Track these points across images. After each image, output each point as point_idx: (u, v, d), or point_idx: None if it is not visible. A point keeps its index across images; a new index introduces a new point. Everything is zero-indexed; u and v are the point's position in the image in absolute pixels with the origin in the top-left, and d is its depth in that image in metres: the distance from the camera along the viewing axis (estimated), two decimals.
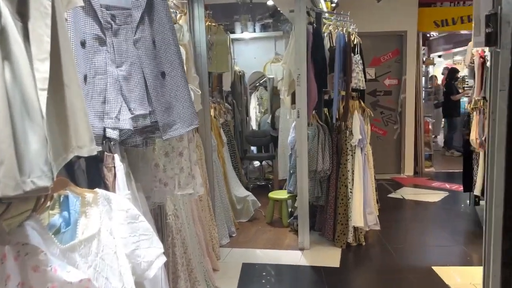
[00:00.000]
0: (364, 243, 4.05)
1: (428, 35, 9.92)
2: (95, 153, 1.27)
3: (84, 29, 1.42)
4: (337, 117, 4.08)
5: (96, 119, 1.40)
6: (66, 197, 1.30)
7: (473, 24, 1.94)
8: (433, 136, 9.11)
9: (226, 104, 5.82)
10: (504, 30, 1.63)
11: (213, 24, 4.89)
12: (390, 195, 5.88)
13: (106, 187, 1.46)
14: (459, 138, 8.70)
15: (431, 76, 9.57)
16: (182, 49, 2.39)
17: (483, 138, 4.06)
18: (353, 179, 3.96)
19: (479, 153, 4.43)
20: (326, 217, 4.11)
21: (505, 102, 1.66)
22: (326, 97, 4.44)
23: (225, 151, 4.92)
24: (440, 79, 13.55)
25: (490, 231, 1.97)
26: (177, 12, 3.01)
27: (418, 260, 3.80)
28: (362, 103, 4.34)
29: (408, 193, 5.97)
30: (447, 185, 6.37)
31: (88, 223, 1.29)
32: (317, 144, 4.04)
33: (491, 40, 1.72)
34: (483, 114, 4.08)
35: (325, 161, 4.00)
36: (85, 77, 1.39)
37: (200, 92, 2.82)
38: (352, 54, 4.17)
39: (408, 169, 7.19)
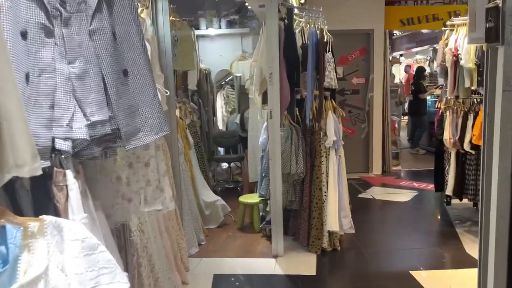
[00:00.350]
0: (339, 248, 3.91)
1: (391, 34, 10.00)
2: (39, 172, 1.02)
3: (25, 16, 1.15)
4: (311, 117, 3.91)
5: (41, 128, 1.13)
6: (3, 227, 1.03)
7: (468, 19, 1.81)
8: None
9: (192, 103, 5.54)
10: (508, 24, 1.48)
11: (178, 19, 4.61)
12: (360, 195, 5.81)
13: (56, 211, 1.20)
14: (425, 137, 8.85)
15: (391, 75, 9.64)
16: (148, 45, 2.14)
17: (456, 138, 4.02)
18: (327, 182, 3.81)
19: (450, 153, 4.40)
20: (300, 221, 3.94)
21: (511, 103, 1.52)
22: (297, 96, 4.27)
23: (192, 154, 4.65)
24: (402, 77, 13.81)
25: (487, 243, 1.85)
26: (139, 5, 2.74)
27: (394, 265, 3.70)
28: (333, 102, 4.20)
29: (377, 193, 5.92)
30: (415, 184, 6.38)
31: (32, 259, 1.03)
32: (291, 146, 3.86)
33: (491, 35, 1.58)
34: (456, 114, 4.04)
35: (299, 163, 3.83)
36: (27, 76, 1.11)
37: (168, 93, 2.57)
38: (324, 52, 4.02)
39: (376, 168, 7.17)
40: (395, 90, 8.39)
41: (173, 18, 4.51)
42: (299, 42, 3.99)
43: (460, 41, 3.90)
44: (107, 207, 1.56)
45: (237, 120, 5.96)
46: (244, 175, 5.59)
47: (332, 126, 3.77)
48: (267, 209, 4.43)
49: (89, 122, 1.23)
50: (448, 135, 4.00)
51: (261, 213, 4.65)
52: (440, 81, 4.69)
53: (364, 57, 7.21)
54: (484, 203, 1.89)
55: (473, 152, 4.04)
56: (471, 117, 3.91)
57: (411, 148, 9.17)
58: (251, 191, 5.17)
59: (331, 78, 4.19)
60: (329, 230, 3.79)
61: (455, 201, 4.63)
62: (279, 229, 3.81)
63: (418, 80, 8.64)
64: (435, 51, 12.08)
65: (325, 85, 4.01)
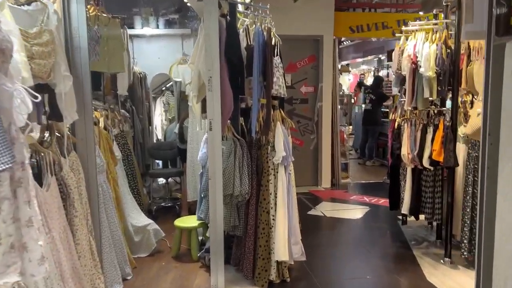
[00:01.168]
0: (288, 279, 3.41)
1: (340, 42, 9.83)
2: None
3: None
4: (257, 129, 3.40)
5: None
6: None
7: (463, 10, 1.39)
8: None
9: (123, 111, 4.86)
10: None
11: (104, 14, 3.96)
12: (310, 212, 5.38)
13: None
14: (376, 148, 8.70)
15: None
16: (13, 37, 1.53)
17: (415, 153, 3.68)
18: (276, 204, 3.30)
19: (406, 168, 4.08)
20: (245, 250, 3.40)
21: None
22: (242, 105, 3.76)
23: (119, 169, 3.98)
24: (347, 87, 13.77)
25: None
26: None
27: None
28: (282, 112, 3.72)
29: (328, 209, 5.53)
30: (366, 198, 6.08)
31: None
32: (234, 163, 3.32)
33: (501, 26, 1.13)
34: (414, 127, 3.71)
35: (243, 183, 3.30)
36: None
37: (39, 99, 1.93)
38: (272, 55, 3.54)
39: (326, 181, 6.82)
40: (341, 99, 8.14)
41: (97, 13, 3.87)
42: (243, 43, 3.48)
43: (418, 47, 3.58)
44: None
45: (176, 130, 5.34)
46: (183, 193, 4.97)
47: (281, 140, 3.28)
48: (207, 234, 3.85)
49: None
50: (406, 150, 3.65)
51: (200, 238, 4.06)
52: (395, 90, 4.37)
53: (313, 65, 6.87)
54: (483, 232, 1.45)
55: (431, 168, 3.73)
56: (430, 130, 3.59)
57: (360, 158, 8.97)
58: (191, 211, 4.57)
59: (279, 85, 3.72)
60: (277, 260, 3.28)
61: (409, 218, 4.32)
62: (220, 259, 3.25)
63: (378, 88, 8.47)
64: (380, 61, 12.18)
65: (273, 92, 3.53)
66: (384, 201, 5.85)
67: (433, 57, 3.43)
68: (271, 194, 3.31)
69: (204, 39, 3.18)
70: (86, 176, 2.73)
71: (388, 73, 10.51)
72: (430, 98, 3.68)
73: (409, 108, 3.70)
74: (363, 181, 7.28)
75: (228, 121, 3.38)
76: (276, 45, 3.67)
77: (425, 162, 3.62)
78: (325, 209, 5.54)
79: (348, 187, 6.88)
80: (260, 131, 3.39)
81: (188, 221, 3.98)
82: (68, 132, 2.54)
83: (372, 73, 12.79)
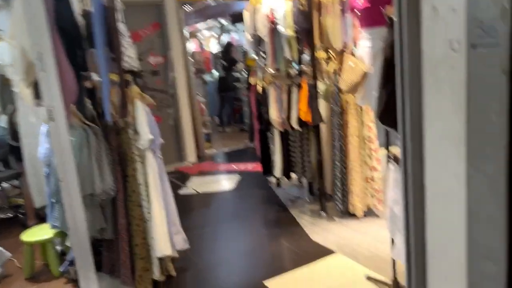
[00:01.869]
0: (174, 273, 3.08)
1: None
2: None
3: None
4: (111, 111, 2.87)
5: None
6: None
7: None
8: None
9: None
10: None
11: None
12: (181, 192, 5.05)
13: None
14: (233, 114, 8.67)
15: (193, 52, 9.02)
16: None
17: (284, 116, 3.60)
18: (148, 195, 2.88)
19: (274, 132, 4.02)
20: (119, 253, 2.92)
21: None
22: (88, 85, 3.14)
23: None
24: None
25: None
26: None
27: (244, 278, 3.09)
28: (136, 88, 3.22)
29: (200, 184, 5.27)
30: (234, 166, 5.98)
31: None
32: (89, 155, 2.75)
33: None
34: (280, 89, 3.61)
35: (105, 178, 2.77)
36: None
37: None
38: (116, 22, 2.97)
39: (191, 155, 6.50)
40: (198, 68, 7.81)
41: None
42: (77, 8, 2.84)
43: (274, 5, 3.42)
44: None
45: (4, 124, 4.33)
46: (26, 198, 4.11)
47: (145, 120, 2.83)
48: (68, 243, 3.22)
49: None
50: (275, 115, 3.54)
51: (59, 248, 3.40)
52: (250, 53, 4.20)
53: (158, 33, 6.32)
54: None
55: (300, 129, 3.71)
56: (294, 91, 3.53)
57: (219, 126, 8.87)
58: (41, 218, 3.81)
59: (129, 57, 3.19)
60: (159, 257, 2.90)
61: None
62: (89, 270, 2.71)
63: (229, 54, 8.28)
64: (222, 27, 12.03)
65: (125, 66, 3.02)
66: (252, 166, 5.84)
67: (289, 14, 3.31)
68: (140, 184, 2.86)
69: (24, 7, 2.47)
70: None
71: (230, 37, 10.46)
72: (290, 58, 3.60)
73: (272, 70, 3.58)
74: (227, 149, 7.19)
75: (73, 105, 2.77)
76: (118, 10, 3.10)
77: (294, 124, 3.58)
78: (196, 185, 5.26)
79: (214, 158, 6.71)
80: (116, 113, 2.87)
81: (39, 233, 3.27)
82: None
83: (216, 40, 12.60)
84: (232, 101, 8.51)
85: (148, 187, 2.87)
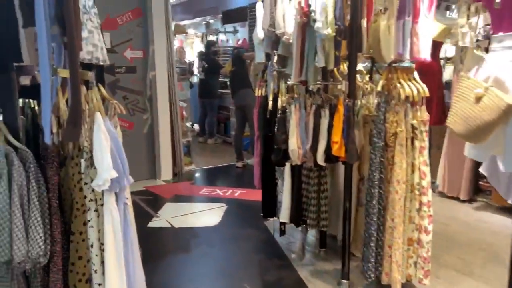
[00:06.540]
0: None
1: None
2: None
3: None
4: (55, 129, 1.79)
5: None
6: None
7: None
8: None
9: None
10: None
11: None
12: (151, 223, 3.97)
13: None
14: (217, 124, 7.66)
15: (178, 48, 7.90)
16: None
17: (307, 147, 2.60)
18: (102, 263, 1.81)
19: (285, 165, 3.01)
20: None
21: None
22: (25, 81, 2.07)
23: None
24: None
25: None
26: None
27: None
28: (103, 91, 2.13)
29: (175, 215, 4.19)
30: (219, 191, 4.94)
31: None
32: (9, 197, 1.67)
33: None
34: (305, 109, 2.61)
35: (34, 236, 1.69)
36: None
37: None
38: None
39: (166, 172, 5.42)
40: (182, 68, 6.73)
41: None
42: None
43: None
44: None
45: None
46: None
47: (106, 145, 1.76)
48: None
49: None
50: (296, 144, 2.54)
51: None
52: (260, 57, 3.20)
53: (139, 22, 5.24)
54: None
55: (324, 165, 2.73)
56: (325, 114, 2.55)
57: (200, 136, 7.81)
58: None
59: (94, 45, 2.15)
60: None
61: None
62: None
63: (210, 55, 7.23)
64: (208, 25, 10.87)
65: (84, 57, 1.97)
66: (240, 193, 4.84)
67: (332, 6, 2.34)
68: (92, 247, 1.80)
69: None
70: None
71: (217, 39, 9.40)
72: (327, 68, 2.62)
73: (296, 82, 2.59)
74: (209, 166, 6.13)
75: None
76: None
77: (320, 159, 2.59)
78: (171, 215, 4.18)
79: (194, 177, 5.64)
80: (60, 131, 1.80)
81: None
82: None
83: (200, 39, 11.39)
84: (215, 109, 7.47)
85: (104, 251, 1.81)
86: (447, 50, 4.84)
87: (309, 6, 2.35)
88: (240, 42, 8.52)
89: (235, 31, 8.86)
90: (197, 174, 5.78)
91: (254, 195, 4.53)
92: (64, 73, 1.81)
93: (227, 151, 6.82)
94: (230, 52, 7.73)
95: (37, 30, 1.65)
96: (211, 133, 7.59)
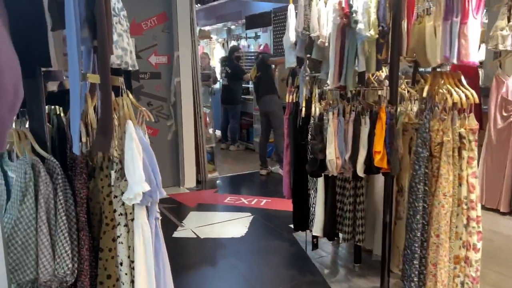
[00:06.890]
0: None
1: None
2: None
3: None
4: (84, 139, 1.69)
5: None
6: None
7: None
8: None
9: None
10: None
11: None
12: (176, 234, 3.85)
13: None
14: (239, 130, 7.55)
15: (202, 54, 7.84)
16: None
17: (346, 157, 2.44)
18: (132, 282, 1.69)
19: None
20: None
21: None
22: (52, 87, 1.98)
23: None
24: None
25: None
26: None
27: None
28: (132, 98, 2.02)
29: (200, 224, 4.07)
30: (244, 200, 4.80)
31: None
32: (36, 211, 1.56)
33: None
34: (343, 116, 2.45)
35: (60, 253, 1.58)
36: None
37: None
38: None
39: (189, 179, 5.32)
40: (207, 73, 6.64)
41: None
42: None
43: None
44: None
45: None
46: None
47: (138, 156, 1.64)
48: None
49: None
50: (334, 154, 2.38)
51: None
52: (291, 61, 3.05)
53: (164, 27, 5.17)
54: None
55: (362, 176, 2.56)
56: (365, 121, 2.38)
57: (222, 142, 7.70)
58: None
59: (124, 49, 2.05)
60: None
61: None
62: None
63: (233, 61, 7.13)
64: (229, 31, 10.79)
65: (114, 62, 1.87)
66: (266, 202, 4.69)
67: (374, 8, 2.18)
68: (121, 265, 1.68)
69: None
70: None
71: (239, 44, 9.29)
72: (367, 73, 2.46)
73: (334, 88, 2.44)
74: (233, 173, 6.00)
75: (12, 121, 1.60)
76: None
77: (360, 170, 2.42)
78: (196, 224, 4.06)
79: (218, 185, 5.52)
80: (89, 141, 1.69)
81: None
82: None
83: (221, 44, 11.29)
84: (238, 115, 7.36)
85: (134, 270, 1.68)
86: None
87: (350, 6, 2.20)
88: (261, 47, 8.43)
89: (256, 37, 8.77)
90: (220, 182, 5.65)
91: (281, 205, 4.38)
92: (94, 78, 1.70)
93: (250, 158, 6.69)
94: (253, 57, 7.63)
95: (67, 33, 1.54)
96: (234, 139, 7.47)
